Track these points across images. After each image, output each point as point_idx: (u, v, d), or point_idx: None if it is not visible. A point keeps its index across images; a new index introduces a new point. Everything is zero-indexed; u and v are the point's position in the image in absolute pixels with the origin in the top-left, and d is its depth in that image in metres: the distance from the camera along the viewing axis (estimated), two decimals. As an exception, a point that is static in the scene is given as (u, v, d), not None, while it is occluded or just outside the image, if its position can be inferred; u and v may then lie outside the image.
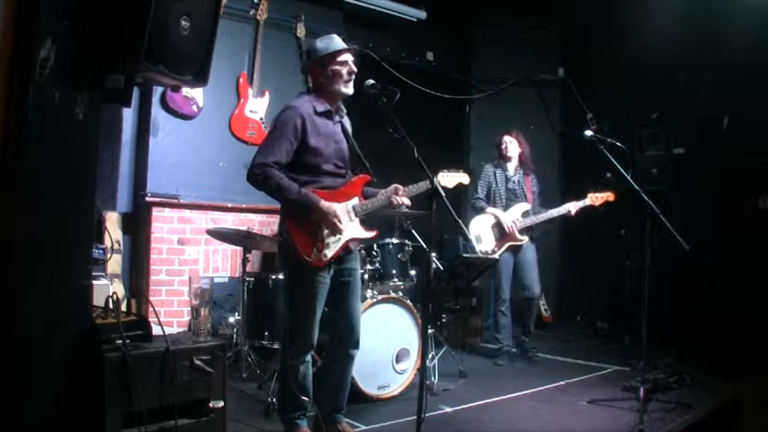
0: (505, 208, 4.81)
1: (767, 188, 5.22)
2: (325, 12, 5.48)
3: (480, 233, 4.79)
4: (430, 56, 6.46)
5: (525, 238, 4.76)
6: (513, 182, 4.87)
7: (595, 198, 4.67)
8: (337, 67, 2.77)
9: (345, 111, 2.95)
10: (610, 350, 5.36)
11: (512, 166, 4.92)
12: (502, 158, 4.95)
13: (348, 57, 2.79)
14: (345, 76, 2.77)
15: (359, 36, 5.54)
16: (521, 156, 4.91)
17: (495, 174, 4.92)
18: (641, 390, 3.34)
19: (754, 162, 5.19)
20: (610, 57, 6.07)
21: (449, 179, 3.20)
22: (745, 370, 4.34)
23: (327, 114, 2.83)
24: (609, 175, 5.56)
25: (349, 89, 2.80)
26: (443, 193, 2.42)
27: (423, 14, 5.87)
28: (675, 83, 5.79)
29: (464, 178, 3.24)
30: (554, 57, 6.72)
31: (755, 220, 5.19)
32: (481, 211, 4.85)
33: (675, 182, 5.67)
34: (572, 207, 4.67)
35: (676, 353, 4.81)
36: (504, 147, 4.91)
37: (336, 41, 2.81)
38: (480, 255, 4.58)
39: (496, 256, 4.71)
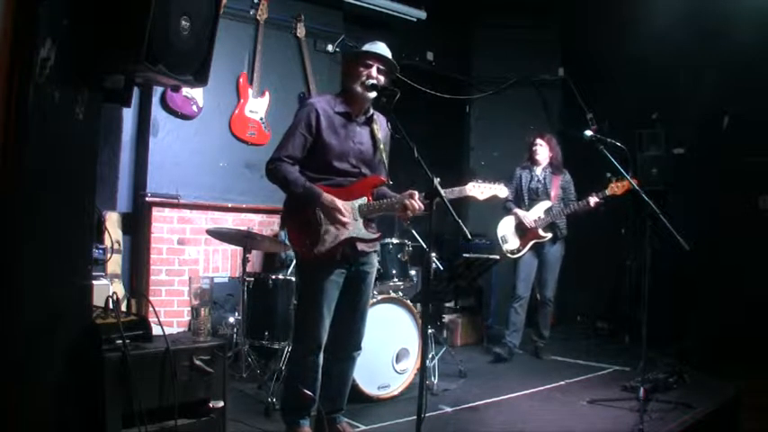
0: (528, 207, 4.87)
1: (767, 188, 5.22)
2: (325, 12, 5.47)
3: (505, 234, 4.95)
4: (430, 56, 6.46)
5: (548, 236, 4.79)
6: (538, 181, 4.91)
7: (616, 187, 4.45)
8: (360, 68, 2.79)
9: (372, 113, 2.92)
10: (610, 350, 5.36)
11: (539, 168, 4.96)
12: (530, 161, 5.01)
13: (375, 64, 2.79)
14: (363, 78, 2.76)
15: (359, 36, 5.55)
16: (551, 159, 4.93)
17: (521, 175, 4.99)
18: (641, 390, 3.34)
19: (754, 162, 5.19)
20: (610, 57, 6.07)
21: (480, 190, 2.89)
22: (745, 370, 4.34)
23: (346, 115, 2.84)
24: (609, 175, 5.57)
25: (366, 92, 2.77)
26: (443, 193, 2.41)
27: (423, 14, 5.87)
28: (675, 83, 5.79)
29: (500, 191, 2.92)
30: (554, 57, 6.71)
31: (755, 220, 5.19)
32: (508, 212, 4.94)
33: (675, 182, 5.68)
34: (592, 199, 4.60)
35: (676, 353, 4.82)
36: (534, 150, 4.96)
37: (375, 46, 2.83)
38: (478, 255, 4.58)
39: (521, 254, 4.84)
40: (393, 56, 2.88)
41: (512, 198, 4.92)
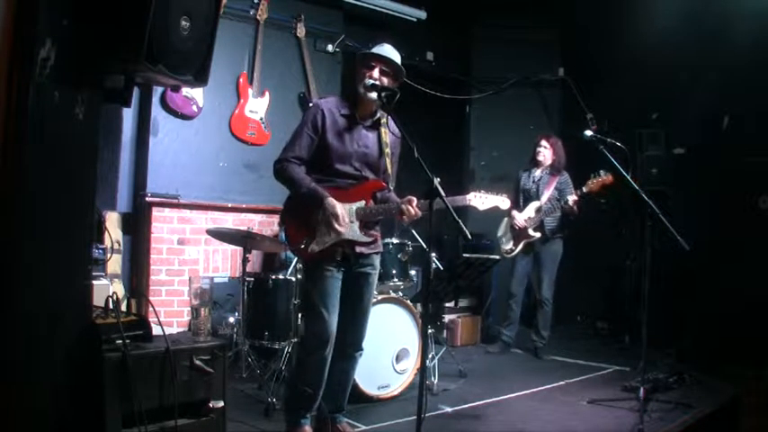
0: (523, 208, 5.01)
1: (767, 188, 5.22)
2: (325, 12, 5.47)
3: (503, 234, 5.15)
4: (430, 56, 6.46)
5: (537, 235, 4.89)
6: (533, 182, 5.04)
7: (592, 184, 4.63)
8: (363, 70, 2.79)
9: (380, 116, 2.90)
10: (610, 350, 5.36)
11: (539, 170, 5.07)
12: (533, 162, 5.11)
13: (378, 65, 2.79)
14: (366, 80, 2.76)
15: (359, 36, 5.55)
16: (553, 161, 5.02)
17: (521, 177, 5.14)
18: (641, 390, 3.34)
19: (754, 162, 5.19)
20: (610, 57, 6.06)
21: (481, 200, 2.86)
22: (745, 370, 4.34)
23: (351, 117, 2.84)
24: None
25: (367, 93, 2.76)
26: (443, 193, 2.41)
27: (423, 14, 5.87)
28: (675, 83, 5.78)
29: (503, 202, 2.92)
30: (554, 57, 6.70)
31: (755, 220, 5.19)
32: (507, 213, 5.03)
33: (675, 182, 5.68)
34: (570, 198, 4.72)
35: (676, 353, 4.82)
36: (537, 151, 5.06)
37: (381, 48, 2.84)
38: (479, 255, 4.62)
39: (515, 254, 5.00)
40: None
41: (512, 199, 4.99)
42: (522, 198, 5.06)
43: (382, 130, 2.90)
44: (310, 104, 2.90)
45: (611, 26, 5.92)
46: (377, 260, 2.95)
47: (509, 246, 5.05)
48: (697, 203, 5.42)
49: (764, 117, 5.06)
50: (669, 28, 5.41)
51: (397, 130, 2.92)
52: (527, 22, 6.60)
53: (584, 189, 4.67)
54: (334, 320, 2.79)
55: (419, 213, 2.70)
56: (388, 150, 2.89)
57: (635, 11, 5.67)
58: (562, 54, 6.71)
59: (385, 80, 2.78)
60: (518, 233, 4.98)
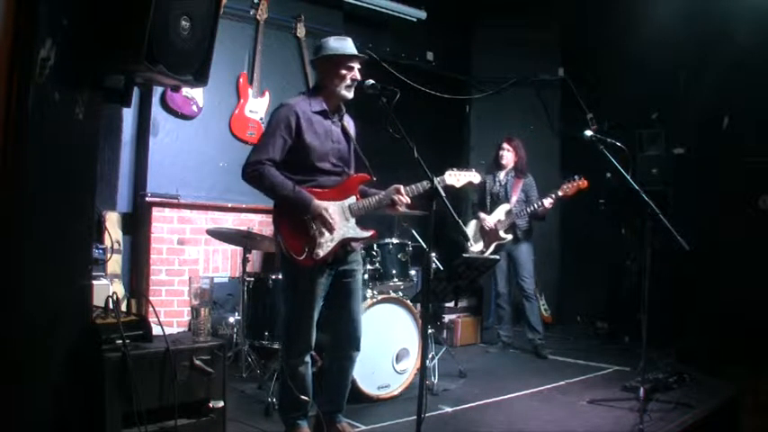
0: (491, 211, 5.05)
1: (767, 188, 5.22)
2: (325, 12, 5.47)
3: (472, 236, 5.16)
4: (430, 56, 6.46)
5: (509, 237, 4.95)
6: (500, 185, 5.11)
7: (567, 188, 4.72)
8: (343, 71, 2.78)
9: (344, 111, 2.95)
10: (610, 350, 5.36)
11: (503, 173, 5.13)
12: (496, 165, 5.19)
13: (356, 64, 2.81)
14: (348, 81, 2.78)
15: (359, 36, 5.54)
16: (516, 164, 5.08)
17: (486, 181, 5.15)
18: (641, 390, 3.33)
19: (754, 162, 5.19)
20: (610, 57, 6.07)
21: (456, 178, 3.06)
22: (745, 370, 4.34)
23: (324, 114, 2.83)
24: (609, 175, 5.57)
25: (349, 93, 2.81)
26: (443, 193, 2.41)
27: (423, 14, 5.87)
28: (675, 83, 5.79)
29: (474, 177, 3.13)
30: (554, 57, 6.71)
31: (755, 220, 5.19)
32: (474, 215, 5.16)
33: (675, 182, 5.68)
34: (546, 200, 4.77)
35: (676, 353, 4.81)
36: (500, 154, 5.14)
37: (349, 45, 2.83)
38: (478, 255, 4.63)
39: (487, 255, 4.96)
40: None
41: (477, 202, 5.22)
42: (489, 201, 5.11)
43: (344, 123, 2.92)
44: (281, 106, 2.81)
45: (611, 26, 5.92)
46: (360, 255, 2.97)
47: (479, 247, 5.08)
48: (697, 203, 5.42)
49: (764, 117, 5.06)
50: (669, 28, 5.41)
51: (351, 121, 2.98)
52: (527, 22, 6.60)
53: (560, 193, 4.74)
54: (314, 326, 2.78)
55: (409, 200, 2.76)
56: (353, 142, 2.92)
57: (635, 11, 5.67)
58: (562, 54, 6.71)
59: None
60: (488, 235, 5.01)
